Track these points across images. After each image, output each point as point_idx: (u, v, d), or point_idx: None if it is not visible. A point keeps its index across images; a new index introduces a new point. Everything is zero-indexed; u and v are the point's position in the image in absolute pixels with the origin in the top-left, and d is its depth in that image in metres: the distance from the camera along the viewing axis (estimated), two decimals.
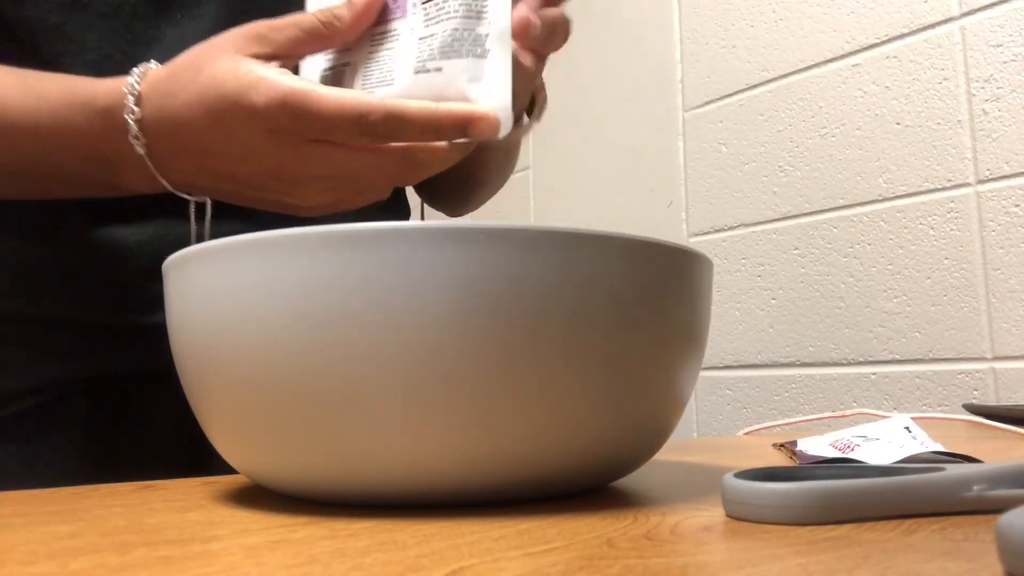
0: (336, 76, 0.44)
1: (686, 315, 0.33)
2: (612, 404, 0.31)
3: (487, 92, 0.38)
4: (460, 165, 0.44)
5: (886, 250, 1.14)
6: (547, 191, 1.68)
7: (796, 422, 0.85)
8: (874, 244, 1.16)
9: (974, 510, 0.29)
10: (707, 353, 1.35)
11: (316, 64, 0.45)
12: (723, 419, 1.33)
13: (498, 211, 1.77)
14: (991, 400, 1.03)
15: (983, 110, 1.06)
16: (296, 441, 0.30)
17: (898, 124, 1.14)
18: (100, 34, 0.52)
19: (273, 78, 0.39)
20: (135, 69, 0.43)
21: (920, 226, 1.11)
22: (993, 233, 1.05)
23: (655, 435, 0.34)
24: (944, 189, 1.09)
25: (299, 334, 0.28)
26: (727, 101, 1.36)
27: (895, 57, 1.15)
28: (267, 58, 0.40)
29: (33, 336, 0.54)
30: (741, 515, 0.28)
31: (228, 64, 0.40)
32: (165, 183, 0.44)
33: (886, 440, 0.46)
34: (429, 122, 0.38)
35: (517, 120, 0.46)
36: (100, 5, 0.52)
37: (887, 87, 1.16)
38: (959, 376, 1.07)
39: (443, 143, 0.40)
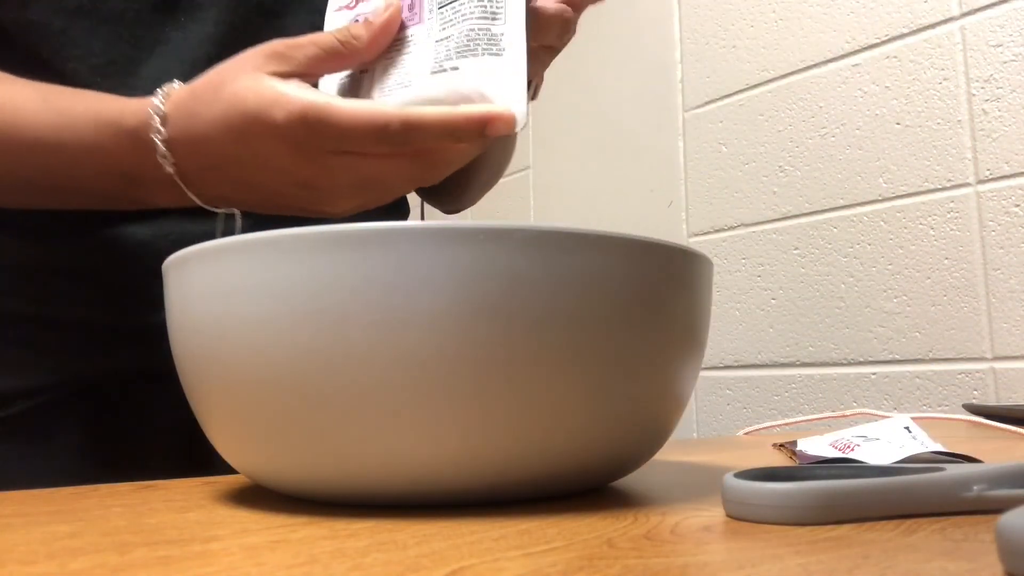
0: (354, 82, 0.45)
1: (686, 315, 0.33)
2: (612, 404, 0.31)
3: (503, 89, 0.39)
4: None
5: (886, 250, 1.14)
6: (547, 191, 1.68)
7: (796, 422, 0.85)
8: (874, 244, 1.16)
9: (974, 510, 0.29)
10: (707, 353, 1.35)
11: (337, 75, 0.46)
12: (723, 419, 1.33)
13: (498, 211, 1.77)
14: (991, 400, 1.03)
15: (983, 110, 1.06)
16: (296, 441, 0.30)
17: (898, 124, 1.14)
18: (104, 38, 0.52)
19: (292, 93, 0.39)
20: (159, 89, 0.43)
21: (920, 226, 1.11)
22: (993, 233, 1.05)
23: (655, 435, 0.34)
24: (944, 189, 1.09)
25: (299, 334, 0.28)
26: (727, 101, 1.36)
27: (895, 57, 1.15)
28: (286, 75, 0.41)
29: (33, 336, 0.54)
30: (741, 515, 0.28)
31: (248, 82, 0.40)
32: (195, 198, 0.44)
33: (886, 440, 0.46)
34: (447, 126, 0.39)
35: None
36: (104, 10, 0.52)
37: (887, 87, 1.16)
38: (959, 376, 1.07)
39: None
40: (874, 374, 1.15)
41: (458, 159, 0.42)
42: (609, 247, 0.30)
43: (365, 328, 0.28)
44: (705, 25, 1.40)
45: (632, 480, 0.40)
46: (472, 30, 0.40)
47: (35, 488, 0.38)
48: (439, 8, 0.42)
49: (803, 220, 1.24)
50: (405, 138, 0.39)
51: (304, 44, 0.41)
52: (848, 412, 1.06)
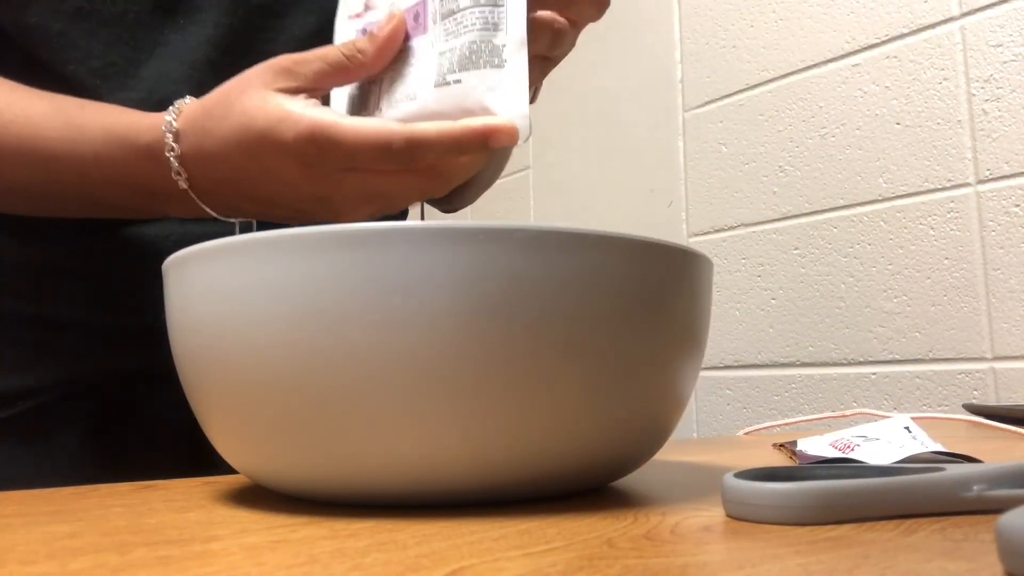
0: (363, 95, 0.45)
1: (686, 315, 0.33)
2: (612, 404, 0.31)
3: (505, 101, 0.39)
4: None
5: (886, 250, 1.14)
6: (547, 191, 1.68)
7: (796, 422, 0.85)
8: (874, 244, 1.16)
9: (974, 510, 0.29)
10: (707, 353, 1.35)
11: (345, 87, 0.46)
12: (723, 419, 1.33)
13: (498, 211, 1.77)
14: (991, 400, 1.03)
15: (983, 110, 1.06)
16: (296, 441, 0.30)
17: (898, 124, 1.14)
18: (103, 41, 0.52)
19: (299, 112, 0.40)
20: (172, 106, 0.44)
21: (920, 226, 1.11)
22: (993, 233, 1.05)
23: (655, 435, 0.34)
24: (944, 189, 1.09)
25: (299, 334, 0.28)
26: (727, 101, 1.36)
27: (895, 57, 1.15)
28: (294, 91, 0.41)
29: (33, 336, 0.54)
30: (741, 515, 0.28)
31: (257, 99, 0.41)
32: (211, 212, 0.45)
33: (886, 440, 0.46)
34: (450, 142, 0.39)
35: None
36: (103, 12, 0.52)
37: (887, 87, 1.16)
38: (959, 376, 1.07)
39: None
40: (874, 374, 1.15)
41: (464, 171, 0.42)
42: (609, 247, 0.30)
43: (365, 328, 0.28)
44: (705, 25, 1.40)
45: (632, 480, 0.40)
46: (474, 42, 0.40)
47: (35, 488, 0.38)
48: (443, 19, 0.42)
49: (803, 220, 1.24)
50: (410, 155, 0.39)
51: (311, 60, 0.42)
52: (848, 412, 1.06)
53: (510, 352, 0.28)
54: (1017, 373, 1.02)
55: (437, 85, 0.41)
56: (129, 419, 0.57)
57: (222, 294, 0.30)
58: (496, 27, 0.40)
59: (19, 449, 0.53)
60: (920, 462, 0.41)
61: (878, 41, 1.17)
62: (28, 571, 0.21)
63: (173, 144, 0.42)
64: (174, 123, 0.43)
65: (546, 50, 0.47)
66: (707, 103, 1.39)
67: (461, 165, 0.41)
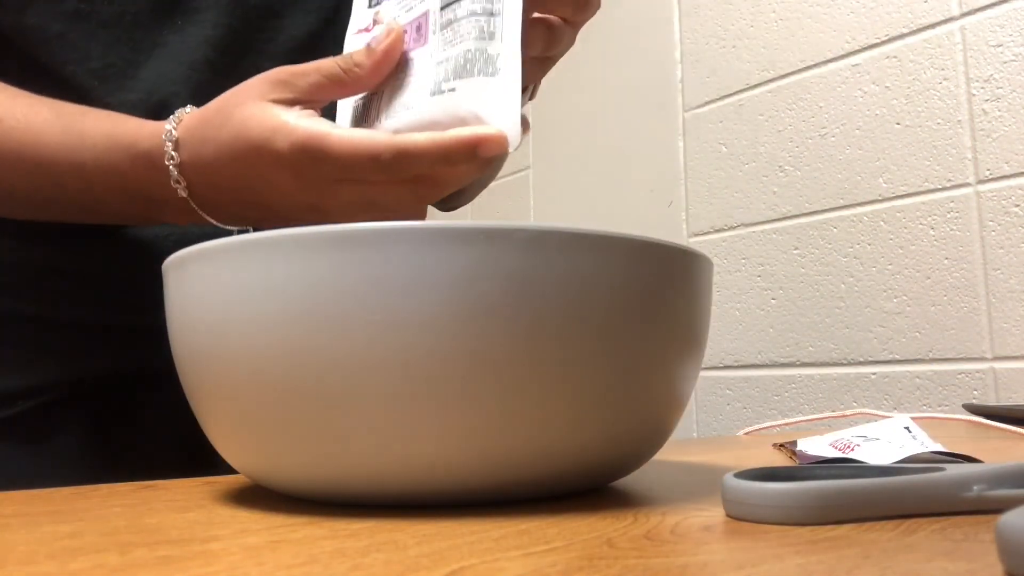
0: (366, 105, 0.46)
1: (686, 315, 0.33)
2: (612, 404, 0.31)
3: (497, 110, 0.39)
4: None
5: (886, 250, 1.14)
6: (547, 191, 1.68)
7: (796, 422, 0.85)
8: (874, 244, 1.16)
9: (974, 510, 0.29)
10: (707, 353, 1.35)
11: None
12: (723, 419, 1.33)
13: (498, 211, 1.77)
14: (991, 400, 1.03)
15: (983, 110, 1.06)
16: (296, 441, 0.30)
17: (898, 124, 1.14)
18: (102, 42, 0.52)
19: (293, 123, 0.40)
20: (173, 115, 0.44)
21: (920, 226, 1.11)
22: (993, 233, 1.05)
23: (655, 435, 0.34)
24: (944, 189, 1.09)
25: (299, 334, 0.28)
26: (727, 101, 1.36)
27: (895, 57, 1.15)
28: (290, 103, 0.41)
29: (34, 336, 0.54)
30: (741, 515, 0.28)
31: (253, 110, 0.41)
32: (209, 219, 0.45)
33: (886, 440, 0.46)
34: (438, 152, 0.39)
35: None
36: (102, 13, 0.52)
37: (887, 87, 1.16)
38: (959, 376, 1.07)
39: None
40: (874, 374, 1.15)
41: (458, 180, 0.42)
42: (609, 247, 0.30)
43: (365, 328, 0.28)
44: (705, 25, 1.40)
45: (632, 480, 0.40)
46: (469, 51, 0.40)
47: (35, 488, 0.38)
48: (442, 30, 0.42)
49: (803, 220, 1.24)
50: (399, 166, 0.39)
51: (308, 72, 0.42)
52: (848, 412, 1.06)
53: (510, 352, 0.28)
54: (1017, 373, 1.02)
55: (433, 94, 0.41)
56: (129, 419, 0.57)
57: (222, 294, 0.30)
58: (491, 36, 0.40)
59: (19, 449, 0.53)
60: (920, 462, 0.41)
61: (878, 41, 1.17)
62: (28, 571, 0.21)
63: (172, 152, 0.43)
64: (174, 131, 0.43)
65: (542, 51, 0.47)
66: (707, 103, 1.39)
67: (454, 174, 0.41)
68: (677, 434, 1.34)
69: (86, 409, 0.55)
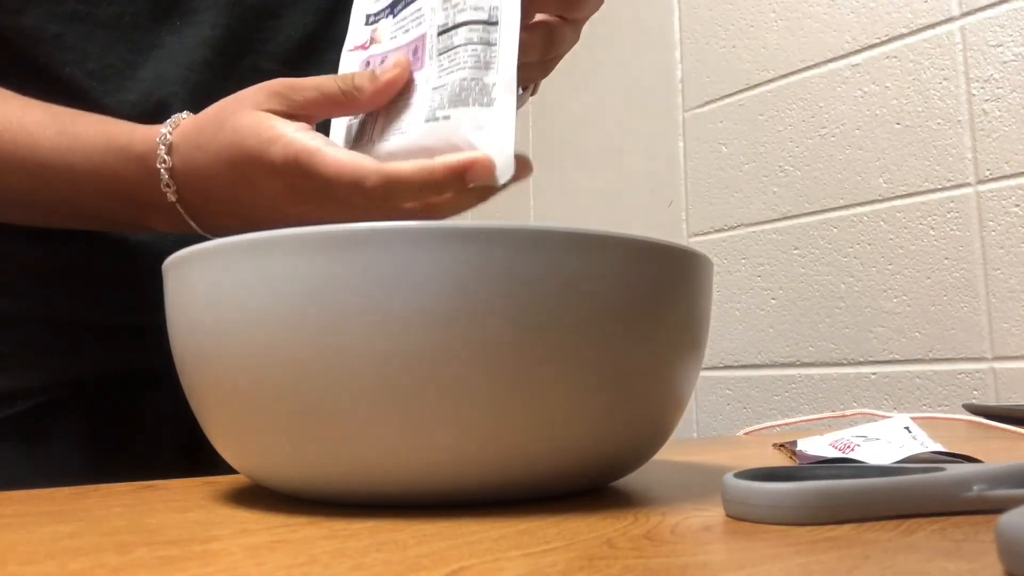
0: (361, 126, 0.46)
1: (686, 315, 0.33)
2: (612, 404, 0.31)
3: (491, 140, 0.39)
4: None
5: (886, 250, 1.14)
6: (547, 191, 1.68)
7: (796, 422, 0.85)
8: (874, 244, 1.16)
9: (974, 510, 0.29)
10: (707, 353, 1.35)
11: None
12: (723, 419, 1.33)
13: (498, 211, 1.77)
14: (991, 400, 1.03)
15: (983, 110, 1.06)
16: (296, 441, 0.30)
17: (898, 124, 1.14)
18: (100, 43, 0.52)
19: (289, 135, 0.40)
20: (169, 119, 0.44)
21: (920, 226, 1.11)
22: (993, 233, 1.05)
23: (655, 435, 0.34)
24: (944, 189, 1.09)
25: (299, 334, 0.28)
26: (727, 101, 1.36)
27: (895, 57, 1.15)
28: (284, 115, 0.41)
29: (33, 336, 0.54)
30: (741, 515, 0.28)
31: (250, 119, 0.41)
32: (196, 227, 0.45)
33: (886, 440, 0.46)
34: (426, 181, 0.39)
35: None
36: (100, 15, 0.52)
37: (887, 87, 1.16)
38: (959, 376, 1.07)
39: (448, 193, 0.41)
40: (874, 374, 1.15)
41: (451, 208, 0.42)
42: (609, 247, 0.30)
43: (365, 328, 0.28)
44: (705, 25, 1.40)
45: (632, 480, 0.40)
46: (465, 79, 0.40)
47: (35, 488, 0.38)
48: (439, 55, 0.42)
49: (803, 220, 1.24)
50: (386, 193, 0.39)
51: (306, 87, 0.41)
52: (848, 412, 1.06)
53: (510, 352, 0.28)
54: (1017, 373, 1.02)
55: (427, 120, 0.41)
56: (129, 419, 0.57)
57: (222, 294, 0.30)
58: (488, 66, 0.40)
59: (19, 449, 0.53)
60: (920, 462, 0.41)
61: (878, 41, 1.17)
62: (28, 571, 0.21)
63: (165, 156, 0.43)
64: (169, 136, 0.43)
65: (542, 54, 0.47)
66: (707, 103, 1.39)
67: (446, 203, 0.41)
68: (677, 434, 1.34)
69: (86, 409, 0.55)
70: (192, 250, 0.32)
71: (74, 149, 0.45)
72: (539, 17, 0.46)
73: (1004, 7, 1.05)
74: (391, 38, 0.45)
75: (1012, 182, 1.03)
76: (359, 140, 0.45)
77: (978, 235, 1.06)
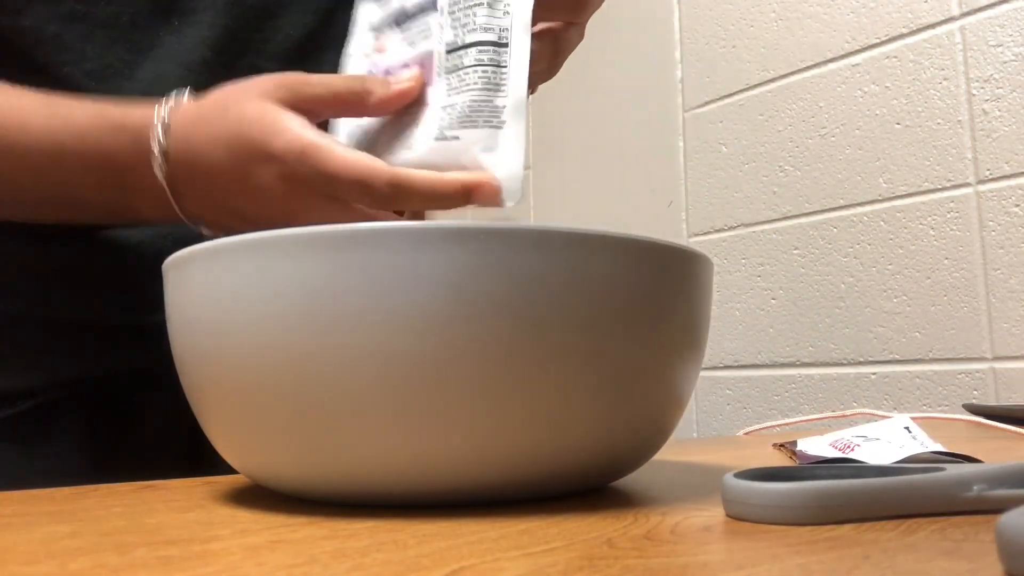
0: (367, 136, 0.45)
1: (686, 315, 0.33)
2: (612, 404, 0.31)
3: (500, 162, 0.39)
4: None
5: (886, 250, 1.14)
6: (547, 191, 1.68)
7: (796, 422, 0.85)
8: (874, 244, 1.16)
9: (974, 510, 0.29)
10: (707, 353, 1.35)
11: (352, 122, 0.46)
12: (723, 419, 1.33)
13: (498, 211, 1.76)
14: (991, 400, 1.03)
15: (983, 110, 1.06)
16: (296, 441, 0.30)
17: (898, 124, 1.14)
18: (99, 43, 0.52)
19: (295, 128, 0.39)
20: (168, 98, 0.43)
21: (920, 226, 1.11)
22: (993, 233, 1.05)
23: (655, 435, 0.34)
24: (944, 189, 1.09)
25: (299, 334, 0.28)
26: (727, 101, 1.36)
27: (895, 57, 1.15)
28: (291, 107, 0.41)
29: (33, 336, 0.54)
30: (741, 515, 0.28)
31: (256, 106, 0.40)
32: (179, 212, 0.44)
33: (886, 440, 0.46)
34: (433, 192, 0.39)
35: None
36: (99, 15, 0.52)
37: (887, 87, 1.16)
38: (959, 376, 1.07)
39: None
40: (874, 374, 1.15)
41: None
42: (609, 247, 0.30)
43: (365, 328, 0.28)
44: (705, 25, 1.40)
45: (632, 480, 0.40)
46: (475, 100, 0.40)
47: (35, 488, 0.38)
48: (447, 74, 0.42)
49: (803, 220, 1.24)
50: (390, 195, 0.39)
51: (315, 83, 0.41)
52: (848, 412, 1.06)
53: (510, 352, 0.28)
54: (1017, 373, 1.02)
55: (436, 139, 0.41)
56: (129, 419, 0.56)
57: (222, 294, 0.30)
58: (498, 88, 0.40)
59: (19, 449, 0.53)
60: (920, 462, 0.41)
61: (878, 41, 1.17)
62: (28, 571, 0.21)
63: (161, 136, 0.42)
64: (167, 117, 0.42)
65: (551, 60, 0.47)
66: (707, 103, 1.39)
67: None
68: (677, 434, 1.34)
69: (86, 409, 0.55)
70: (192, 250, 0.32)
71: (65, 129, 0.44)
72: (544, 24, 0.46)
73: (1004, 7, 1.05)
74: (397, 50, 0.45)
75: (1012, 182, 1.03)
76: (367, 140, 0.45)
77: (978, 235, 1.06)
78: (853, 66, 1.20)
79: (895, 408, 1.11)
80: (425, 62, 0.43)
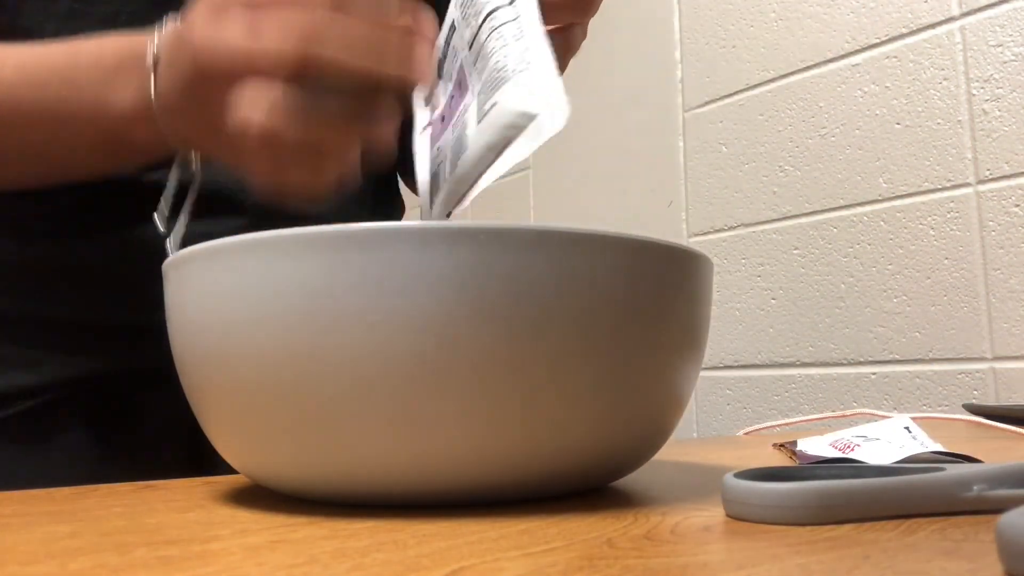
0: (433, 157, 0.45)
1: (686, 315, 0.33)
2: (612, 404, 0.31)
3: (539, 97, 0.38)
4: None
5: (886, 250, 1.14)
6: (547, 191, 1.68)
7: (796, 422, 0.85)
8: (874, 244, 1.16)
9: (974, 510, 0.29)
10: (707, 353, 1.35)
11: (424, 155, 0.46)
12: (723, 419, 1.33)
13: (498, 211, 1.77)
14: (991, 400, 1.03)
15: (983, 110, 1.06)
16: (296, 441, 0.30)
17: (898, 124, 1.14)
18: None
19: None
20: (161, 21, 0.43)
21: (920, 226, 1.11)
22: (993, 233, 1.05)
23: (655, 435, 0.34)
24: (944, 189, 1.09)
25: (299, 334, 0.28)
26: (727, 101, 1.36)
27: (895, 57, 1.15)
28: None
29: (33, 336, 0.54)
30: (741, 515, 0.28)
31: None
32: (165, 131, 0.42)
33: (886, 440, 0.46)
34: None
35: None
36: (96, 13, 0.52)
37: (887, 87, 1.16)
38: (959, 376, 1.07)
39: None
40: (874, 374, 1.15)
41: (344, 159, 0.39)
42: (609, 247, 0.30)
43: (364, 328, 0.28)
44: (705, 25, 1.40)
45: (632, 480, 0.40)
46: (497, 63, 0.40)
47: (35, 488, 0.38)
48: (474, 66, 0.42)
49: (803, 220, 1.24)
50: None
51: None
52: (848, 412, 1.06)
53: (510, 352, 0.28)
54: (1017, 373, 1.02)
55: (479, 122, 0.41)
56: (129, 419, 0.57)
57: (222, 294, 0.30)
58: (516, 38, 0.40)
59: (19, 449, 0.53)
60: (920, 462, 0.41)
61: (878, 41, 1.17)
62: (28, 571, 0.21)
63: (156, 40, 0.42)
64: (163, 32, 0.42)
65: (560, 61, 0.47)
66: (707, 103, 1.39)
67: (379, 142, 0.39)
68: (677, 434, 1.34)
69: (86, 409, 0.55)
70: (192, 250, 0.32)
71: (49, 52, 0.44)
72: (549, 26, 0.46)
73: (1004, 7, 1.05)
74: (444, 92, 0.45)
75: (1012, 182, 1.03)
76: (435, 188, 0.44)
77: (978, 235, 1.06)
78: (853, 66, 1.20)
79: (895, 408, 1.11)
80: (462, 79, 0.43)
